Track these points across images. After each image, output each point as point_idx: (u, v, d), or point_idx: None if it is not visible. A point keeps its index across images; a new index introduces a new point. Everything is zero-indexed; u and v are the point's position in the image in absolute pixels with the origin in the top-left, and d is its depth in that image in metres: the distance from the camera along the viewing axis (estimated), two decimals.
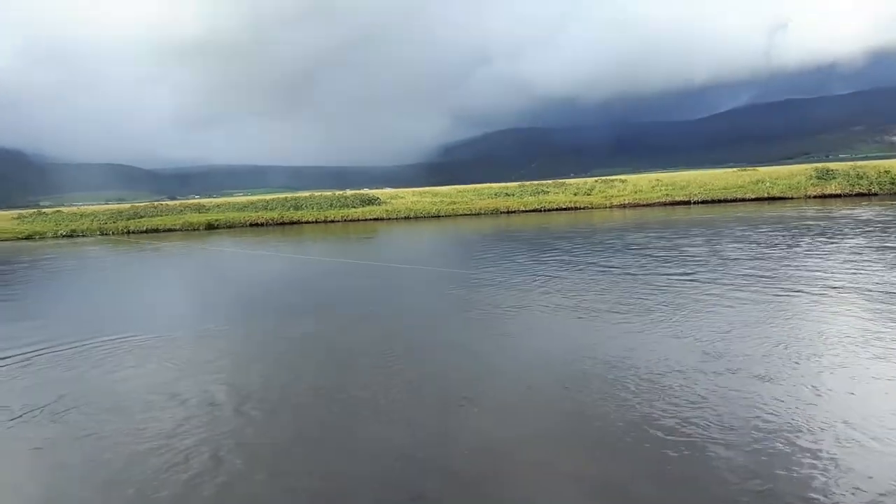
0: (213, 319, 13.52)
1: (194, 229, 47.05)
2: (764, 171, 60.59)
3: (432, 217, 48.07)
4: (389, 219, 48.00)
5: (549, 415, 7.07)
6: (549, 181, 64.10)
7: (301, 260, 26.25)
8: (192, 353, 10.53)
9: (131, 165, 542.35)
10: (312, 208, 50.80)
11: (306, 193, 62.89)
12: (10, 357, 10.70)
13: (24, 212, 62.78)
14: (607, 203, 47.57)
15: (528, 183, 60.27)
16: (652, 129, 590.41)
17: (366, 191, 71.66)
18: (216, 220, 48.52)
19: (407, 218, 48.11)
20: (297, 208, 50.86)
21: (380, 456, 6.25)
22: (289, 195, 60.70)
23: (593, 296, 13.62)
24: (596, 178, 63.13)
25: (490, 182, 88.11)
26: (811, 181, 44.78)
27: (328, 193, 59.99)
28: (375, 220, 48.06)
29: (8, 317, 15.26)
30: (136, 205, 66.65)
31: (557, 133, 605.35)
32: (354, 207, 51.15)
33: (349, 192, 64.29)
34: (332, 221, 48.05)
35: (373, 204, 52.61)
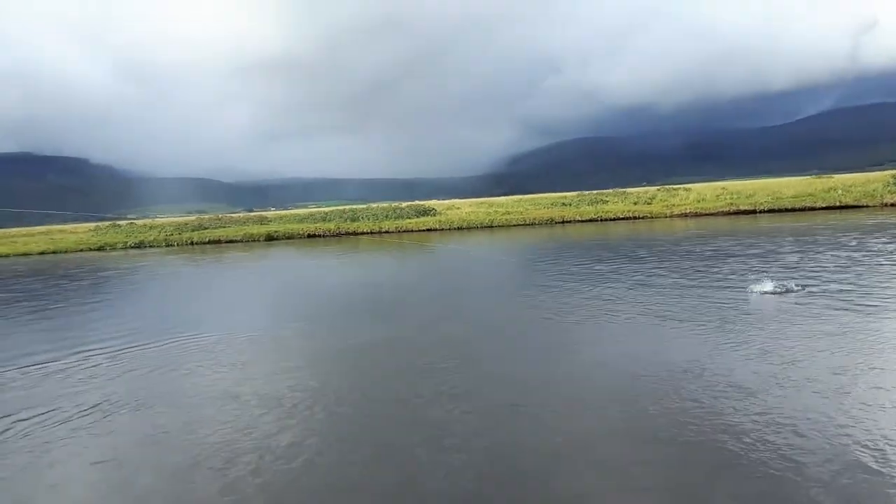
0: (273, 324, 13.68)
1: (254, 240, 48.38)
2: (839, 178, 57.20)
3: (485, 227, 47.70)
4: (442, 229, 47.94)
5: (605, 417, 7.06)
6: (609, 190, 62.53)
7: (362, 272, 26.47)
8: (258, 355, 11.11)
9: (211, 179, 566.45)
10: (368, 219, 51.35)
11: (363, 205, 63.75)
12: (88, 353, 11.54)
13: (100, 224, 66.34)
14: (667, 212, 45.90)
15: (586, 192, 58.98)
16: (727, 137, 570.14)
17: (420, 202, 71.98)
18: (275, 232, 49.72)
19: (460, 228, 47.91)
20: (353, 220, 51.55)
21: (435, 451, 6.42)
22: (346, 207, 61.64)
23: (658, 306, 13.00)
24: (658, 187, 61.20)
25: (558, 192, 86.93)
26: (888, 188, 41.84)
27: (385, 205, 60.62)
28: (429, 230, 48.09)
29: (79, 321, 15.94)
30: (202, 217, 69.14)
31: (627, 142, 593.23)
32: (409, 218, 51.38)
33: (404, 203, 64.69)
34: (387, 232, 48.40)
35: (427, 215, 52.72)
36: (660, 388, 7.88)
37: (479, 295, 17.20)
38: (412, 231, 48.17)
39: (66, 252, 48.75)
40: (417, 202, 70.14)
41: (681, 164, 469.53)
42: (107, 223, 64.60)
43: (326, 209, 65.04)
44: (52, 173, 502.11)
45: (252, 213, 74.00)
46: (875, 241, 22.14)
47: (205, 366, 10.41)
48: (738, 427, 6.51)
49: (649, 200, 50.27)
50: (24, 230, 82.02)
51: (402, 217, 51.84)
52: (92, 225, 72.93)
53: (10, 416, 8.36)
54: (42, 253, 48.91)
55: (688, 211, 45.26)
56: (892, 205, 40.13)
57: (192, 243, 49.35)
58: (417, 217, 51.98)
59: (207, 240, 49.73)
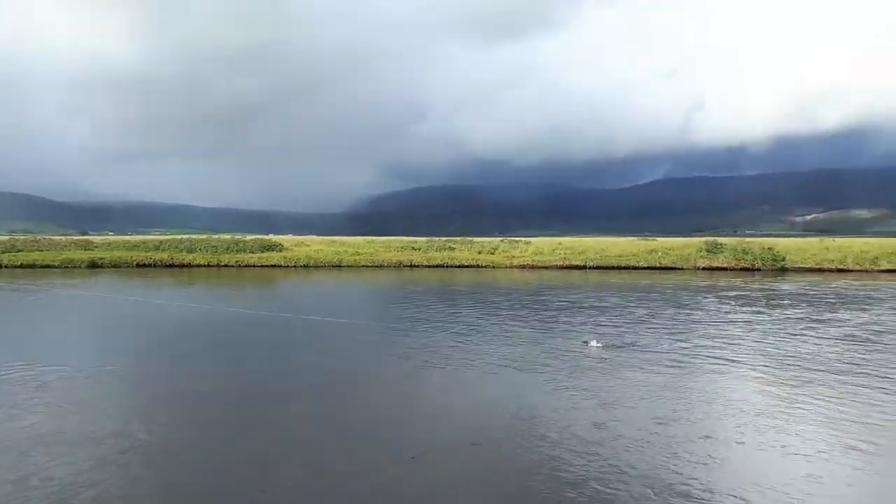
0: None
1: (75, 266, 44.21)
2: (661, 241, 62.86)
3: (334, 266, 47.00)
4: (287, 266, 46.59)
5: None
6: (458, 238, 64.27)
7: (199, 308, 24.69)
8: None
9: (43, 197, 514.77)
10: (206, 251, 48.70)
11: (203, 236, 60.39)
12: None
13: None
14: (508, 263, 47.84)
15: (436, 239, 60.13)
16: (575, 196, 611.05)
17: (271, 236, 69.70)
18: (101, 259, 45.84)
19: (306, 266, 46.83)
20: (189, 251, 48.63)
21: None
22: (184, 237, 58.15)
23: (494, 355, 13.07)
24: (501, 238, 63.80)
25: (416, 236, 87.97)
26: (701, 253, 46.51)
27: (226, 237, 57.80)
28: (273, 266, 46.54)
29: None
30: (16, 238, 62.25)
31: (487, 192, 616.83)
32: (252, 252, 49.42)
33: (249, 237, 62.26)
34: (226, 266, 46.19)
35: (273, 250, 51.01)
36: (501, 432, 7.93)
37: (317, 348, 16.66)
38: (254, 266, 46.36)
39: None
40: (262, 236, 67.71)
41: (532, 218, 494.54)
42: None
43: (161, 238, 60.97)
44: None
45: (77, 237, 67.71)
46: (690, 302, 24.31)
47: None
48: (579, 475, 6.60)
49: (493, 250, 52.14)
50: None
51: (245, 251, 49.75)
52: None
53: None
54: None
55: (526, 262, 47.43)
56: (704, 268, 44.56)
57: (1, 266, 44.14)
58: (262, 252, 50.12)
59: (20, 263, 44.74)
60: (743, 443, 8.07)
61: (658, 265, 45.52)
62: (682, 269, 44.72)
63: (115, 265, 45.23)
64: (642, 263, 45.92)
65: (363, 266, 47.47)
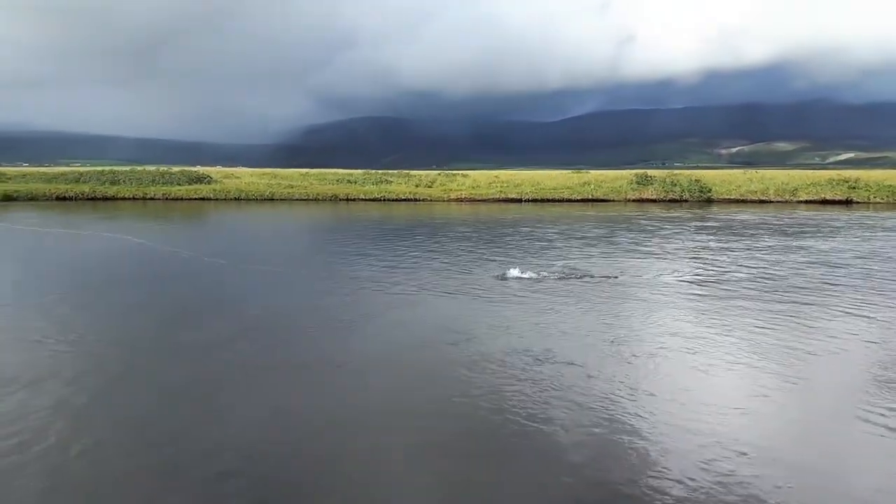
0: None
1: None
2: (593, 174, 64.13)
3: (266, 200, 45.91)
4: (217, 199, 45.22)
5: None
6: (394, 171, 63.65)
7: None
8: None
9: None
10: (131, 183, 46.61)
11: (126, 167, 57.69)
12: None
13: None
14: (445, 196, 47.88)
15: (372, 171, 59.39)
16: (509, 128, 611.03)
17: (199, 168, 67.18)
18: (15, 192, 43.18)
19: (237, 199, 45.58)
20: (113, 183, 46.42)
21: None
22: (107, 168, 55.34)
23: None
24: (439, 172, 63.62)
25: (352, 168, 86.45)
26: (631, 185, 47.76)
27: (152, 169, 55.38)
28: (202, 199, 45.06)
29: None
30: None
31: (419, 124, 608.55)
32: (180, 185, 47.61)
33: (175, 168, 59.78)
34: (153, 199, 44.40)
35: (201, 182, 49.26)
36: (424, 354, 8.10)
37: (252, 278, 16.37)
38: (182, 199, 44.76)
39: None
40: (190, 168, 65.07)
41: (465, 150, 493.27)
42: None
43: (82, 169, 57.86)
44: None
45: None
46: (621, 232, 25.09)
47: None
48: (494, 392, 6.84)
49: (430, 184, 51.98)
50: None
51: (172, 183, 47.87)
52: None
53: None
54: None
55: (463, 196, 47.59)
56: (634, 200, 45.84)
57: None
58: (189, 184, 48.34)
59: None
60: (665, 370, 8.53)
61: (591, 197, 46.55)
62: (613, 201, 45.89)
63: (32, 198, 42.79)
64: (576, 196, 46.85)
65: (297, 199, 46.56)
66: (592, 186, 48.43)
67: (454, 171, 64.78)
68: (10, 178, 49.64)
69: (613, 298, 12.73)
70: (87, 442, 6.19)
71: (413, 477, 5.66)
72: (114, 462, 5.84)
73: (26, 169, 71.05)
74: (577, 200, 46.02)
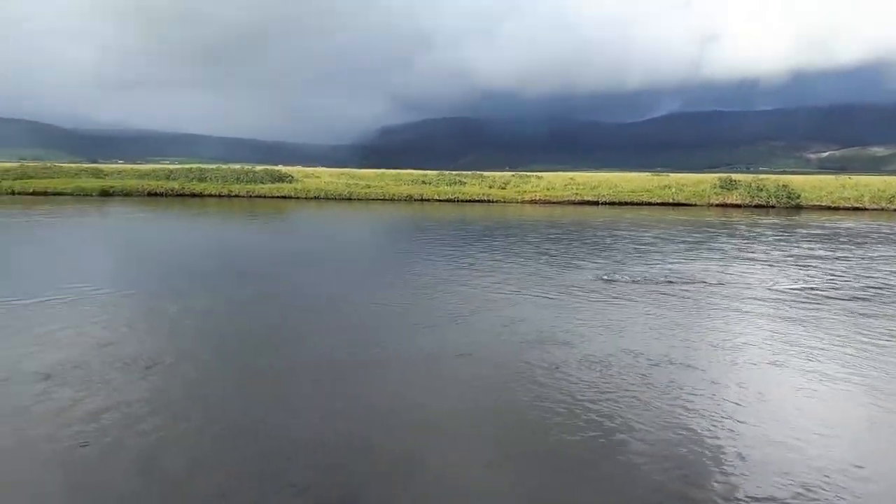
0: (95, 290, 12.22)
1: (86, 195, 44.24)
2: (674, 177, 62.19)
3: (344, 199, 46.88)
4: (298, 198, 46.49)
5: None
6: (469, 172, 63.80)
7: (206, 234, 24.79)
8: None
9: (53, 124, 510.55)
10: (217, 181, 48.56)
11: (213, 166, 60.22)
12: None
13: None
14: (519, 198, 47.54)
15: (446, 172, 59.74)
16: (586, 129, 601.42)
17: (281, 167, 69.34)
18: (111, 187, 45.78)
19: (317, 198, 46.72)
20: (200, 180, 48.51)
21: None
22: (194, 166, 57.87)
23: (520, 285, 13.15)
24: (513, 173, 63.24)
25: (427, 169, 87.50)
26: (715, 189, 46.02)
27: (237, 167, 57.59)
28: (283, 197, 46.44)
29: None
30: (27, 164, 62.10)
31: (495, 125, 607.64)
32: (263, 183, 49.26)
33: (259, 167, 61.89)
34: (237, 196, 46.12)
35: (283, 181, 50.81)
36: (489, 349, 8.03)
37: (338, 270, 16.74)
38: (265, 197, 46.29)
39: None
40: (272, 167, 67.27)
41: (540, 151, 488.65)
42: None
43: (172, 167, 60.80)
44: None
45: (87, 165, 67.69)
46: (705, 238, 24.23)
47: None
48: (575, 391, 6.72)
49: (504, 185, 51.74)
50: None
51: (255, 181, 49.57)
52: None
53: None
54: None
55: (537, 198, 47.12)
56: (718, 205, 44.19)
57: (12, 192, 44.28)
58: (272, 183, 49.95)
59: (31, 190, 44.82)
60: (751, 384, 8.12)
61: (671, 201, 45.16)
62: (695, 205, 44.37)
63: (127, 193, 45.26)
64: (655, 199, 45.57)
65: (373, 199, 47.31)
66: (674, 190, 46.94)
67: (528, 173, 64.28)
68: (107, 175, 52.68)
69: (719, 305, 12.32)
70: (179, 432, 6.42)
71: (492, 481, 5.58)
72: (203, 455, 6.02)
73: (121, 166, 75.22)
74: (657, 204, 44.75)
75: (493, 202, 46.70)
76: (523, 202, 46.56)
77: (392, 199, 47.47)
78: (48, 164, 61.92)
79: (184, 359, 8.64)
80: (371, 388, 7.70)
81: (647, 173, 78.45)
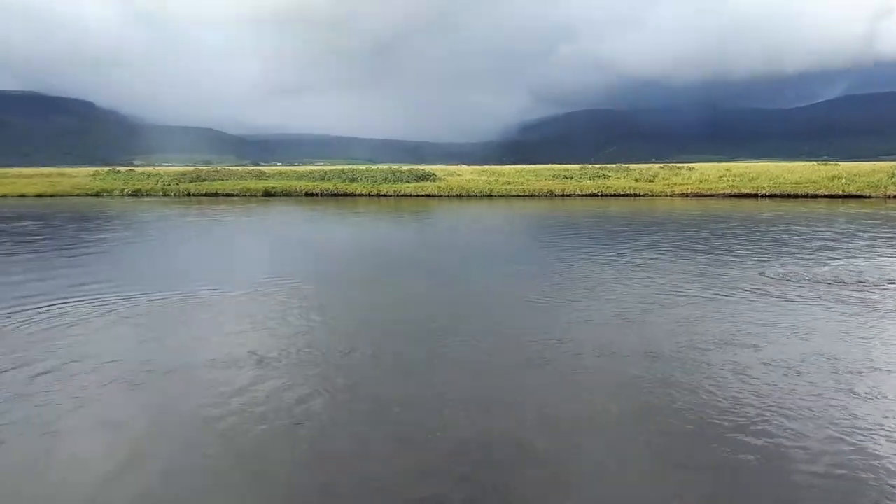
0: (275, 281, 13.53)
1: (251, 195, 48.13)
2: (844, 166, 56.48)
3: (485, 196, 47.33)
4: (441, 195, 47.58)
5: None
6: (612, 165, 61.89)
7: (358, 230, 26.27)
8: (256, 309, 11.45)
9: (219, 130, 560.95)
10: (366, 181, 50.95)
11: (362, 167, 63.27)
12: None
13: (100, 169, 66.07)
14: (668, 191, 45.43)
15: (589, 166, 58.36)
16: (741, 117, 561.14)
17: (424, 166, 71.35)
18: (273, 188, 49.46)
19: (459, 196, 47.55)
20: (351, 180, 51.15)
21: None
22: (346, 167, 61.12)
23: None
24: (661, 165, 60.52)
25: (567, 163, 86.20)
26: (893, 179, 41.20)
27: (384, 167, 60.01)
28: (427, 195, 47.74)
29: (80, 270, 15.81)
30: (200, 168, 68.60)
31: (640, 115, 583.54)
32: (408, 182, 50.97)
33: (404, 167, 64.06)
34: (385, 195, 48.06)
35: (427, 180, 52.27)
36: (677, 367, 7.82)
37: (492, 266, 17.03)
38: (410, 195, 47.83)
39: (62, 195, 48.65)
40: (417, 166, 69.44)
41: (693, 141, 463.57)
42: (106, 168, 64.37)
43: (326, 168, 64.57)
44: (58, 114, 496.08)
45: (251, 168, 73.67)
46: (884, 234, 21.87)
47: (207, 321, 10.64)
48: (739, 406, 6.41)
49: (651, 178, 49.74)
50: (25, 171, 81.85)
51: (401, 181, 51.42)
52: (92, 169, 72.63)
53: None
54: (39, 195, 48.77)
55: (689, 191, 44.79)
56: (894, 197, 39.56)
57: (189, 194, 49.18)
58: (417, 181, 51.55)
59: (204, 192, 49.54)
60: None
61: (841, 193, 41.06)
62: (869, 196, 40.02)
63: (286, 194, 48.69)
64: (822, 191, 41.69)
65: (514, 195, 47.31)
66: (844, 180, 42.64)
67: (678, 164, 61.19)
68: (269, 176, 57.02)
69: None
70: (347, 424, 6.78)
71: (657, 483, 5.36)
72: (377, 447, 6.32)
73: (280, 168, 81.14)
74: (824, 196, 40.90)
75: (640, 196, 45.01)
76: (673, 195, 44.45)
77: (532, 195, 47.22)
78: (218, 168, 68.07)
79: (374, 347, 9.10)
80: (544, 388, 7.64)
81: (813, 162, 71.87)
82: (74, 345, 9.23)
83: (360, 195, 48.39)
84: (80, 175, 62.73)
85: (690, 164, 61.68)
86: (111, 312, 11.17)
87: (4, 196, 48.22)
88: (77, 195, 48.77)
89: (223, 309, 11.59)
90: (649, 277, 14.22)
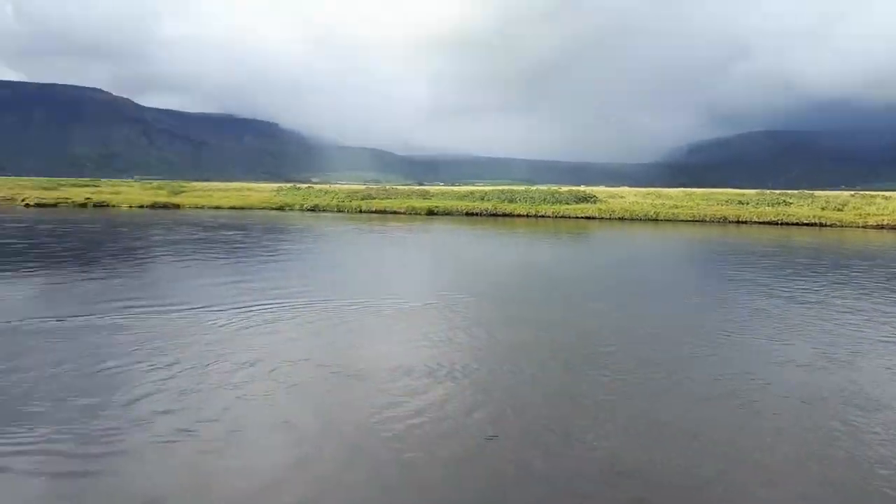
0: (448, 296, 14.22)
1: (416, 213, 50.03)
2: None
3: (649, 220, 45.49)
4: (602, 218, 46.44)
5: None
6: (794, 191, 56.84)
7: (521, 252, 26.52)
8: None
9: (389, 151, 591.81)
10: (525, 202, 51.02)
11: (521, 187, 63.50)
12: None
13: (283, 185, 72.35)
14: (860, 222, 40.88)
15: (767, 191, 54.07)
16: None
17: (584, 187, 70.11)
18: (436, 207, 51.05)
19: (621, 219, 46.12)
20: (510, 201, 51.47)
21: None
22: (505, 187, 61.68)
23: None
24: (851, 193, 54.64)
25: (741, 188, 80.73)
26: None
27: (543, 188, 59.86)
28: (587, 218, 46.81)
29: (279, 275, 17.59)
30: (370, 187, 72.69)
31: (824, 138, 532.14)
32: (567, 204, 50.32)
33: (564, 188, 63.38)
34: (544, 216, 47.79)
35: (587, 202, 51.28)
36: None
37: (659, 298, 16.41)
38: (569, 217, 47.17)
39: (251, 208, 53.76)
40: (576, 188, 68.43)
41: (886, 168, 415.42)
42: (288, 185, 70.30)
43: (486, 188, 65.68)
44: (248, 135, 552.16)
45: (416, 188, 76.88)
46: None
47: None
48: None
49: (840, 207, 45.11)
50: (220, 185, 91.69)
51: (561, 202, 50.89)
52: (276, 185, 79.70)
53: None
54: (231, 207, 54.26)
55: (885, 222, 39.99)
56: None
57: (360, 211, 52.14)
58: (577, 203, 50.77)
59: (374, 209, 52.27)
60: None
61: None
62: None
63: (448, 213, 50.05)
64: None
65: (682, 220, 44.99)
66: None
67: (872, 192, 54.92)
68: (432, 196, 59.03)
69: None
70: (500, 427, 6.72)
71: None
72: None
73: (442, 188, 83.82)
74: None
75: (826, 226, 40.94)
76: (866, 227, 39.93)
77: (703, 220, 44.63)
78: (386, 187, 71.83)
79: (537, 366, 9.06)
80: (740, 426, 7.15)
81: None
82: (270, 343, 10.14)
83: (519, 216, 48.53)
84: (266, 190, 69.10)
85: (886, 193, 55.10)
86: (298, 317, 12.13)
87: (203, 207, 54.22)
88: (262, 208, 53.69)
89: (399, 319, 12.17)
90: (851, 318, 12.76)
